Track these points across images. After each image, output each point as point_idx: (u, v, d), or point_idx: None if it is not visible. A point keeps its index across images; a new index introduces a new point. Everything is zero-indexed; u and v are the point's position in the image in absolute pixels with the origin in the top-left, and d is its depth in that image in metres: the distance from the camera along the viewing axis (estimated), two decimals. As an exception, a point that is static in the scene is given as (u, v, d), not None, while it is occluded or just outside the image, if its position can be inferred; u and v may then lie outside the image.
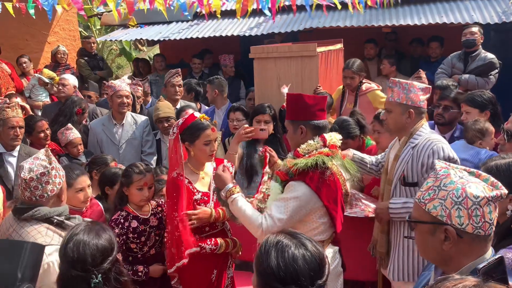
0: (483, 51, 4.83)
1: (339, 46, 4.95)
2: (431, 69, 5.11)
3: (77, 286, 1.57)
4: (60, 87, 4.80)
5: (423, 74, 4.38)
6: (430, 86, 2.67)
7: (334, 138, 2.35)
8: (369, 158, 2.98)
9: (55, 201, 2.15)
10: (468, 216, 1.29)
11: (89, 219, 2.22)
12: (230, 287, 2.83)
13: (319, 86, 4.15)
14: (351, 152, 2.90)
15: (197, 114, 2.68)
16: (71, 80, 4.92)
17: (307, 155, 2.27)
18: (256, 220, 2.24)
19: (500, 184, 1.35)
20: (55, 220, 2.06)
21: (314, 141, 2.31)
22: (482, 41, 4.84)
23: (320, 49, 4.17)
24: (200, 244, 2.57)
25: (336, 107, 4.55)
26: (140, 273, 2.74)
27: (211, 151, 2.63)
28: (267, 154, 2.68)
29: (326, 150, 2.29)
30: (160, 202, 2.95)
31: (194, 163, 2.68)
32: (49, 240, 2.00)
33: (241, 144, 3.44)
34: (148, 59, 8.91)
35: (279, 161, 2.66)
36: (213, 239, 2.64)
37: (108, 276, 1.59)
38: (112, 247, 1.65)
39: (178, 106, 4.59)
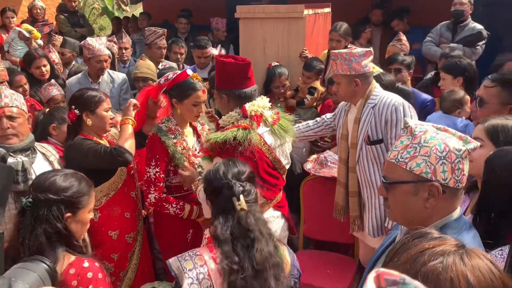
0: (471, 21, 4.82)
1: (327, 10, 4.85)
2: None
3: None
4: None
5: (403, 36, 4.37)
6: (371, 49, 2.72)
7: (257, 106, 2.28)
8: (310, 125, 3.02)
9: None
10: (452, 170, 1.29)
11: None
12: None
13: (305, 50, 4.08)
14: None
15: (189, 72, 2.60)
16: None
17: (225, 128, 2.25)
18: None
19: (468, 137, 1.36)
20: None
21: (235, 113, 2.28)
22: (471, 12, 4.82)
23: (307, 11, 4.07)
24: (164, 204, 2.55)
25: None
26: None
27: (198, 112, 2.59)
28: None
29: (245, 122, 2.23)
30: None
31: (178, 121, 2.63)
32: None
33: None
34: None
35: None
36: (181, 202, 2.59)
37: (38, 209, 1.62)
38: (58, 190, 1.66)
39: (160, 67, 4.47)
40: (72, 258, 1.63)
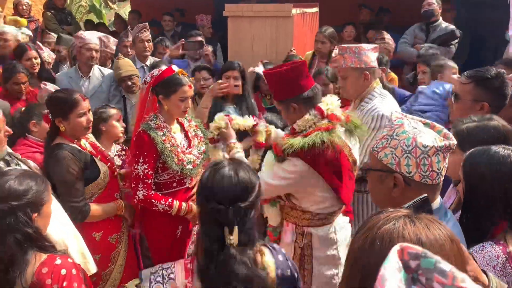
0: (443, 21, 4.95)
1: (315, 9, 4.91)
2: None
3: None
4: (1, 43, 4.35)
5: (386, 35, 4.46)
6: (377, 45, 2.78)
7: (332, 105, 2.15)
8: None
9: None
10: (416, 165, 1.32)
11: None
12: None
13: (293, 49, 4.12)
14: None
15: (175, 68, 2.60)
16: (13, 32, 4.50)
17: (305, 132, 2.10)
18: None
19: (451, 135, 1.37)
20: None
21: (310, 115, 2.12)
22: (440, 11, 4.96)
23: (295, 10, 4.12)
24: (152, 201, 2.54)
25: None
26: None
27: (185, 107, 2.57)
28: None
29: (325, 123, 2.11)
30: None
31: (165, 117, 2.62)
32: None
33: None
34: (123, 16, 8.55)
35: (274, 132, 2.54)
36: (169, 199, 2.58)
37: (3, 219, 1.52)
38: (19, 195, 1.57)
39: (147, 63, 4.46)
40: (44, 256, 1.58)
